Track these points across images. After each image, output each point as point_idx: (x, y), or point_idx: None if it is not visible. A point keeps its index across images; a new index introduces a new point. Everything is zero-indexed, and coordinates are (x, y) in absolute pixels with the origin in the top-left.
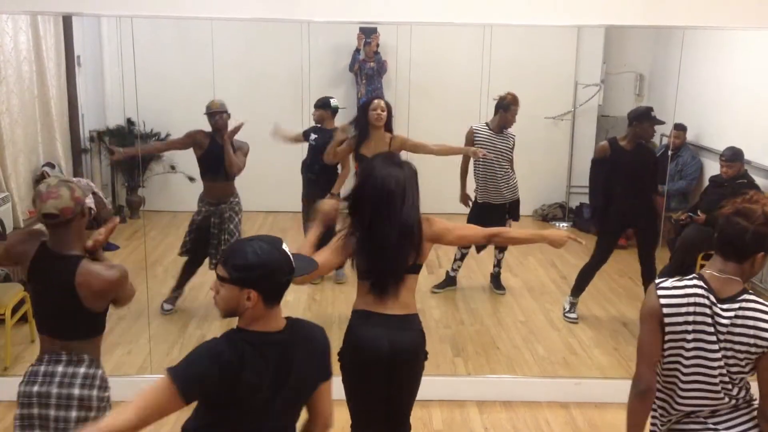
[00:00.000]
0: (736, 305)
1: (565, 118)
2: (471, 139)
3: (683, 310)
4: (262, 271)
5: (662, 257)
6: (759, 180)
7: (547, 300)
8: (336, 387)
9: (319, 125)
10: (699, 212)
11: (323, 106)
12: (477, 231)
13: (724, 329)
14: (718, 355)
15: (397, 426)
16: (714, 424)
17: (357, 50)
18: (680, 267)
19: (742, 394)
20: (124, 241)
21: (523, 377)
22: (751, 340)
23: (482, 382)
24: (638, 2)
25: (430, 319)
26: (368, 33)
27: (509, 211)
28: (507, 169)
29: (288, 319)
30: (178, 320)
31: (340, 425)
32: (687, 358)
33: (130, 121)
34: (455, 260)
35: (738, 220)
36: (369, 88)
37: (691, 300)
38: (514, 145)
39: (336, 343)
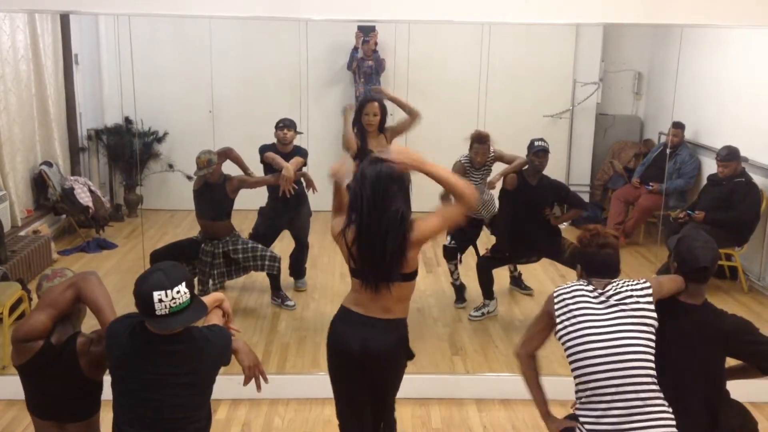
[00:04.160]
0: None
1: (563, 116)
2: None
3: None
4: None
5: (662, 256)
6: (757, 178)
7: (545, 298)
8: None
9: (281, 144)
10: (697, 211)
11: (292, 126)
12: (433, 220)
13: None
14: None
15: (378, 418)
16: None
17: (355, 48)
18: None
19: None
20: (122, 239)
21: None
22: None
23: (481, 381)
24: (637, 0)
25: (428, 318)
26: (366, 31)
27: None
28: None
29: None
30: None
31: (335, 423)
32: None
33: (128, 120)
34: (452, 272)
35: (608, 251)
36: (367, 86)
37: None
38: (489, 172)
39: None
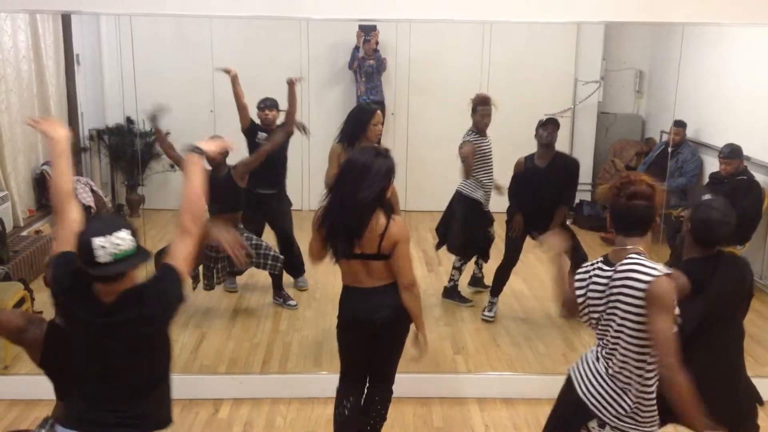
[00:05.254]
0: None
1: (564, 115)
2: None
3: None
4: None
5: (662, 255)
6: (759, 177)
7: (546, 297)
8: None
9: (264, 125)
10: None
11: (274, 105)
12: (406, 258)
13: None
14: None
15: (381, 382)
16: None
17: (356, 48)
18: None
19: None
20: None
21: (524, 374)
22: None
23: (483, 380)
24: None
25: (430, 317)
26: (367, 30)
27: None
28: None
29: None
30: (178, 319)
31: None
32: None
33: (129, 120)
34: (454, 268)
35: (637, 203)
36: (368, 85)
37: None
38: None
39: None
